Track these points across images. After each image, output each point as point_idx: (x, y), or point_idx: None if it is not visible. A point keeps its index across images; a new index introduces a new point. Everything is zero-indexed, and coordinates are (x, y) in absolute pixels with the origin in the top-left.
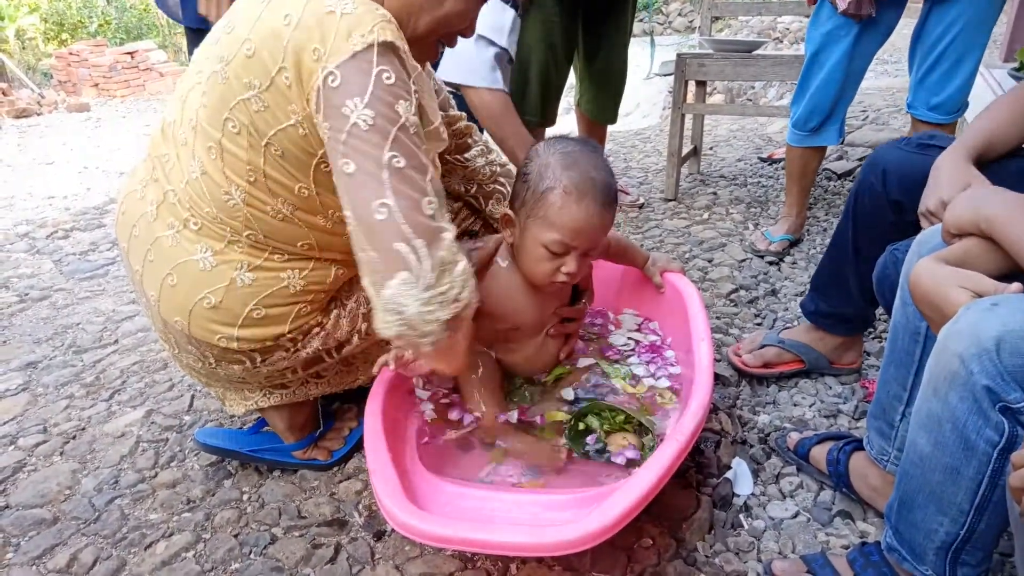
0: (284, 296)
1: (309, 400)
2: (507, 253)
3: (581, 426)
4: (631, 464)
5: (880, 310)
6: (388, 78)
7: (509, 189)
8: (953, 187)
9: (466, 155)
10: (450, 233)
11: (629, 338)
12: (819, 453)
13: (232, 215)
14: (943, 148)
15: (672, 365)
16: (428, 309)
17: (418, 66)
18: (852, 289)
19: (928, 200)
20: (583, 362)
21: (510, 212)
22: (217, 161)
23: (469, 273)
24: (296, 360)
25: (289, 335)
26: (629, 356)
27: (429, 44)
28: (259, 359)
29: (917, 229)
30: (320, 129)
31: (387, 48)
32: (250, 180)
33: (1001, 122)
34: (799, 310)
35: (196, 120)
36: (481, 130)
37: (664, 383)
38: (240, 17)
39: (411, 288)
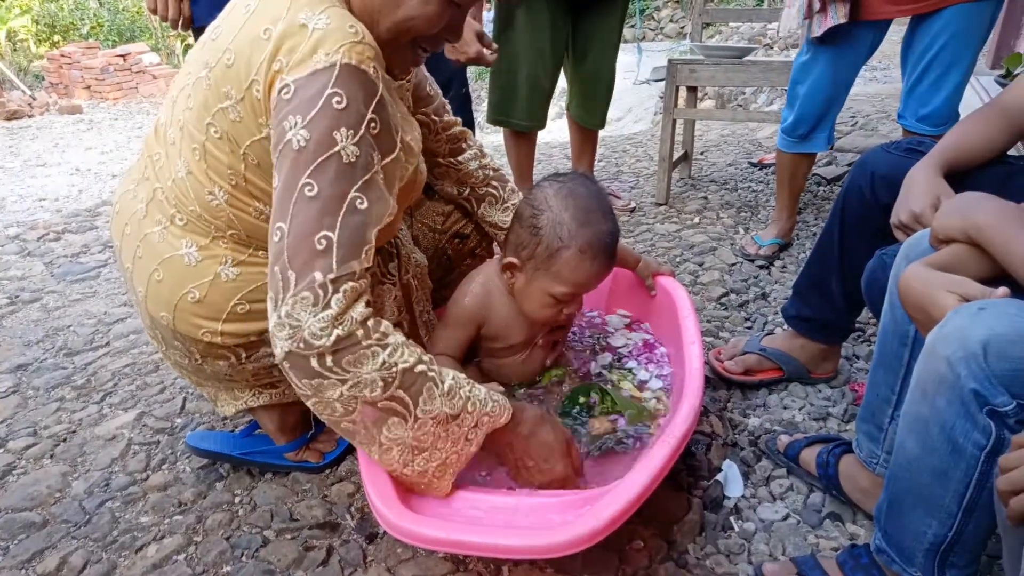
0: None
1: (299, 400)
2: (500, 282)
3: (581, 399)
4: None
5: (862, 317)
6: (339, 103)
7: (501, 192)
8: (924, 200)
9: (459, 158)
10: (353, 283)
11: (628, 339)
12: (809, 456)
13: (215, 215)
14: None
15: (665, 364)
16: (274, 332)
17: (390, 82)
18: (835, 293)
19: (900, 212)
20: (598, 365)
21: (515, 260)
22: (201, 163)
23: (347, 337)
24: None
25: None
26: (627, 358)
27: (400, 49)
28: (244, 355)
29: None
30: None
31: (350, 71)
32: (232, 183)
33: (973, 135)
34: None
35: (183, 122)
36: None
37: (657, 384)
38: (226, 25)
39: (272, 309)
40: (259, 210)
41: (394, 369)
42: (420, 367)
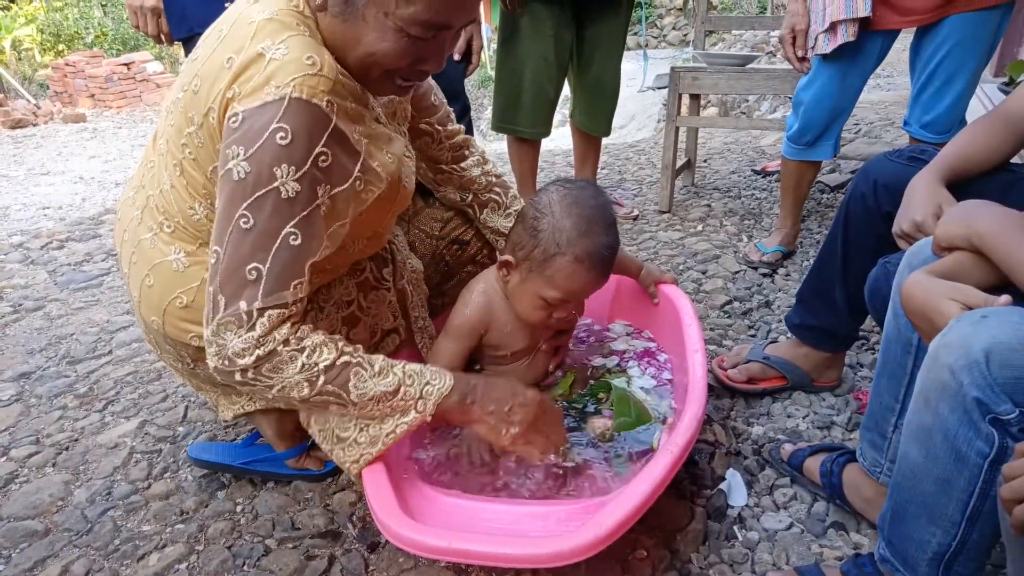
0: None
1: None
2: (500, 288)
3: (601, 395)
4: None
5: (865, 325)
6: (283, 139)
7: (504, 199)
8: (926, 208)
9: (462, 165)
10: (281, 310)
11: (630, 345)
12: (812, 465)
13: (198, 228)
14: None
15: (665, 370)
16: (206, 347)
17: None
18: (838, 302)
19: (902, 222)
20: (605, 362)
21: (511, 258)
22: (181, 179)
23: (266, 356)
24: None
25: None
26: (630, 361)
27: (376, 81)
28: None
29: None
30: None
31: (300, 105)
32: (209, 202)
33: (975, 144)
34: None
35: (168, 136)
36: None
37: (650, 383)
38: (202, 49)
39: (204, 325)
40: None
41: (315, 369)
42: (342, 359)
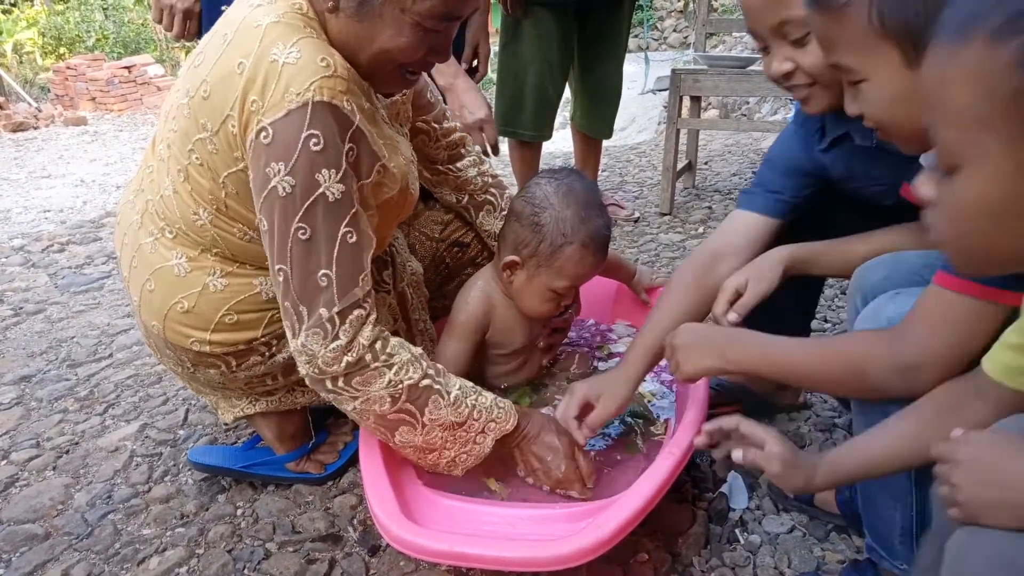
0: (256, 302)
1: (297, 409)
2: (497, 287)
3: None
4: None
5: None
6: (316, 144)
7: (500, 200)
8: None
9: (458, 165)
10: (358, 310)
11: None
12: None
13: (200, 234)
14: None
15: (664, 372)
16: (296, 355)
17: (368, 110)
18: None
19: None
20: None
21: (517, 258)
22: (185, 184)
23: (356, 362)
24: (274, 366)
25: (262, 339)
26: None
27: (386, 76)
28: (234, 363)
29: None
30: (249, 178)
31: (323, 108)
32: (215, 207)
33: (665, 318)
34: None
35: (170, 141)
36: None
37: (656, 385)
38: (207, 53)
39: (291, 337)
40: (243, 231)
41: (400, 386)
42: (425, 381)
